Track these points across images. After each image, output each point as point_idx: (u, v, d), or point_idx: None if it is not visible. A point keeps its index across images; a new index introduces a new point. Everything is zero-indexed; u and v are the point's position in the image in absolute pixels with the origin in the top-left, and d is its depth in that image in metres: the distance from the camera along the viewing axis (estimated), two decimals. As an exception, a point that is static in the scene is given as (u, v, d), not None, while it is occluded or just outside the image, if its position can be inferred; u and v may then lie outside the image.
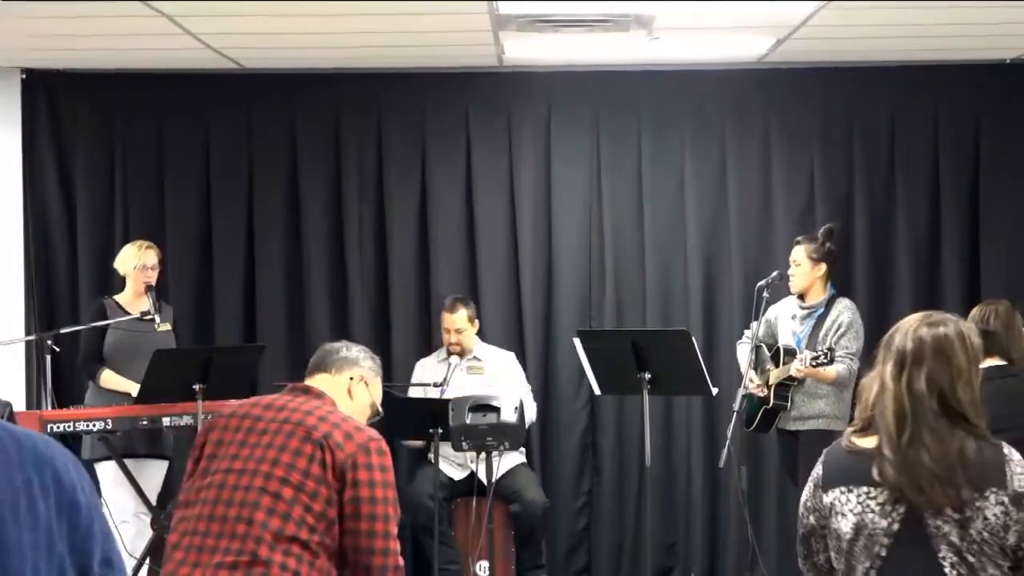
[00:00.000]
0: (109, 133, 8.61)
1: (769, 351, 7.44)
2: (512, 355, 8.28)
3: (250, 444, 4.00)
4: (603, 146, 8.66)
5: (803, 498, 3.46)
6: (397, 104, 8.63)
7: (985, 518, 3.30)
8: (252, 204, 8.65)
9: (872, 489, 3.33)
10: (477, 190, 8.65)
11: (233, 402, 4.35)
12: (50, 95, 8.55)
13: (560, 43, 7.59)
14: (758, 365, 7.40)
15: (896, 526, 3.32)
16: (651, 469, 7.32)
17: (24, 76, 8.48)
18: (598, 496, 8.71)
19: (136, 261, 7.71)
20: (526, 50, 7.88)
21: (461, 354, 8.04)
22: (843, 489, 3.36)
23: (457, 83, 8.62)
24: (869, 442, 3.37)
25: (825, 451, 3.48)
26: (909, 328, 3.40)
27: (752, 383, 7.32)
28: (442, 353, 8.16)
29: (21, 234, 8.50)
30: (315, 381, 4.26)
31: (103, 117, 8.61)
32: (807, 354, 7.09)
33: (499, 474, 7.65)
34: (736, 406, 7.24)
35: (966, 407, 3.35)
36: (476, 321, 8.13)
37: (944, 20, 7.30)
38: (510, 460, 7.91)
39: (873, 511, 3.33)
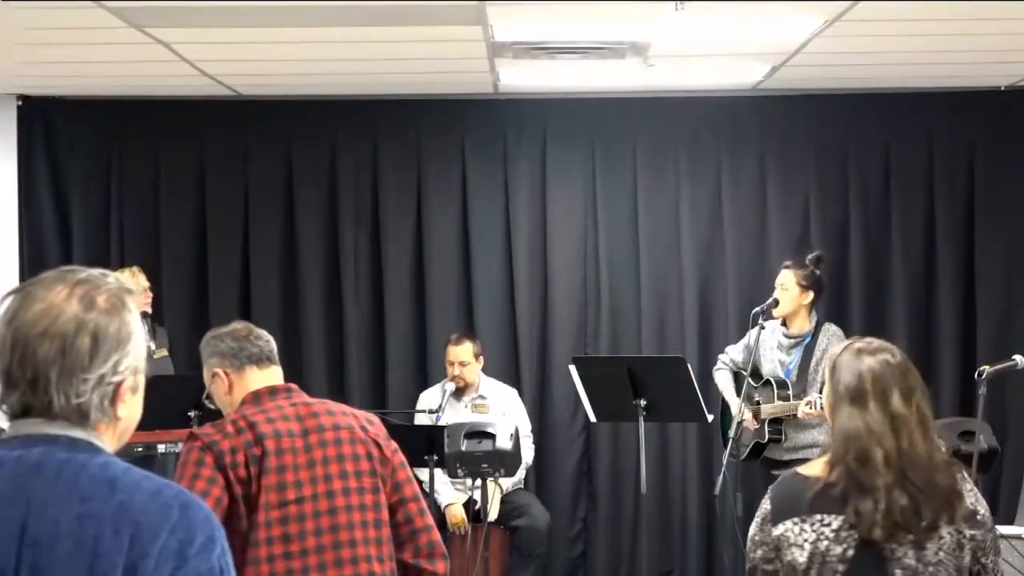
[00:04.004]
0: (105, 159, 8.62)
1: (755, 381, 7.35)
2: (515, 392, 8.23)
3: (304, 466, 3.87)
4: (599, 172, 8.67)
5: (751, 533, 3.39)
6: (393, 131, 8.64)
7: (941, 537, 3.29)
8: (248, 229, 8.65)
9: (826, 516, 3.29)
10: (473, 216, 8.66)
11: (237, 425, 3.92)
12: (46, 121, 8.57)
13: (555, 70, 7.60)
14: (741, 395, 7.29)
15: (851, 552, 3.29)
16: (647, 496, 7.30)
17: (20, 103, 8.49)
18: (594, 523, 8.69)
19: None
20: (521, 77, 7.89)
21: (464, 389, 7.96)
22: (795, 520, 3.32)
23: (453, 110, 8.63)
24: (814, 470, 3.35)
25: (771, 488, 3.43)
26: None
27: (742, 415, 7.21)
28: (445, 385, 7.96)
29: (16, 260, 8.50)
30: (277, 375, 4.04)
31: (99, 143, 8.62)
32: (815, 396, 6.92)
33: (500, 497, 7.65)
34: (732, 433, 7.21)
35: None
36: (481, 358, 8.04)
37: (938, 47, 7.32)
38: (511, 483, 7.88)
39: (828, 538, 3.29)
